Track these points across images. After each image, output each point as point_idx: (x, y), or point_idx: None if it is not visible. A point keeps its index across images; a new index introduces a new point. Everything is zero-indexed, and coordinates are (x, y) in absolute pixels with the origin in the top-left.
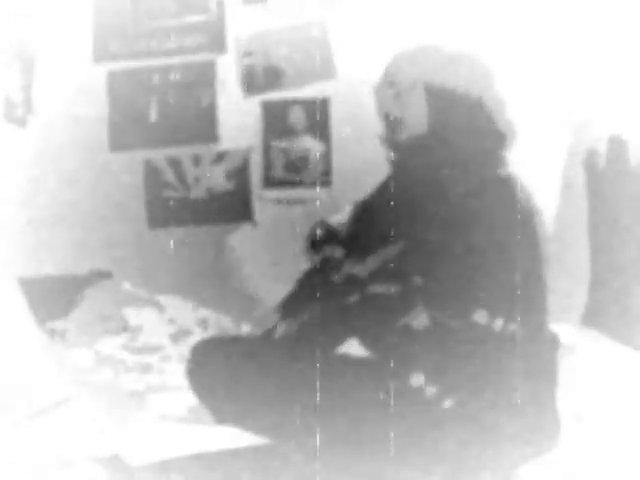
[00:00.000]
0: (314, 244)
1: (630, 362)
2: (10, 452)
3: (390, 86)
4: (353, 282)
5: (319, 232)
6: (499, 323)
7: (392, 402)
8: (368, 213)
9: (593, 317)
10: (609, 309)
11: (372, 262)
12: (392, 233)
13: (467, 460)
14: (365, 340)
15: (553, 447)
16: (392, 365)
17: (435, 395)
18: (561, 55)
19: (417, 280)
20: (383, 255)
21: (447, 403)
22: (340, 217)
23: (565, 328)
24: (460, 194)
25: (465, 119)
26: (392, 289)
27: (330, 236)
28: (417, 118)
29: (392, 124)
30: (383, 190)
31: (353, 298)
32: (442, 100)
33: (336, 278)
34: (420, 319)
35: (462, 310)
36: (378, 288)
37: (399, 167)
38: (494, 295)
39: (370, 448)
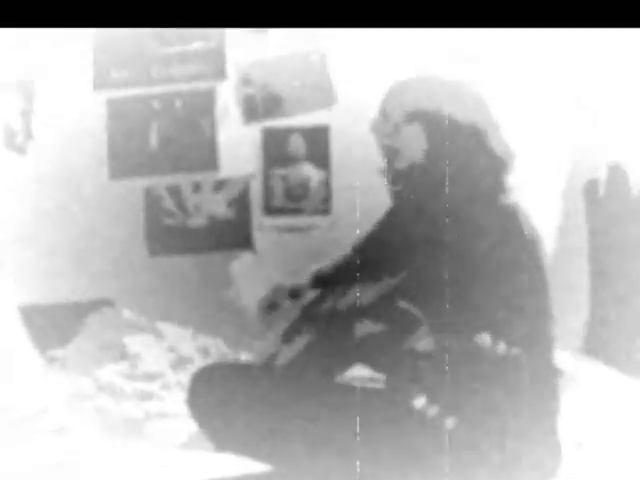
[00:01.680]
0: (271, 306)
1: (630, 391)
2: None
3: (386, 119)
4: (356, 309)
5: (276, 296)
6: (502, 347)
7: (393, 426)
8: (372, 243)
9: (594, 346)
10: (610, 337)
11: (376, 291)
12: (393, 264)
13: None
14: (367, 365)
15: (554, 475)
16: (394, 389)
17: (437, 415)
18: (560, 85)
19: (415, 311)
20: (387, 283)
21: (449, 423)
22: (325, 263)
23: (566, 356)
24: (463, 221)
25: (462, 146)
26: (388, 327)
27: (324, 278)
28: (415, 148)
29: (391, 156)
30: (384, 222)
31: (357, 331)
32: (439, 129)
33: (339, 304)
34: (424, 342)
35: (465, 333)
36: (374, 327)
37: (400, 199)
38: (497, 319)
39: (372, 472)
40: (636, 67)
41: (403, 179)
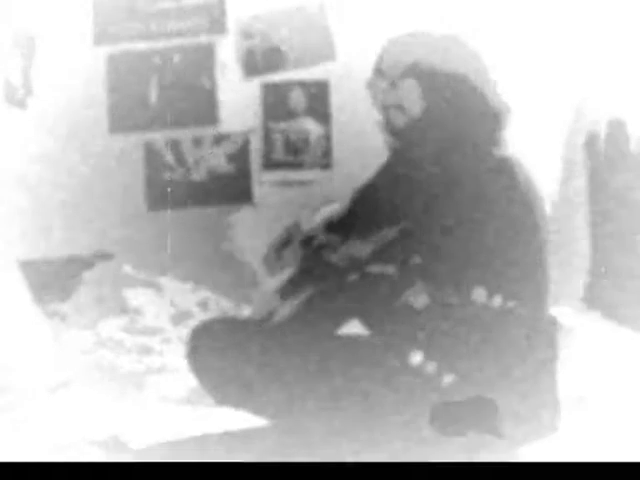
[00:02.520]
0: (282, 244)
1: (630, 344)
2: (9, 434)
3: (382, 76)
4: (353, 263)
5: (286, 235)
6: (497, 300)
7: (392, 380)
8: (368, 197)
9: (593, 299)
10: (609, 291)
11: (372, 243)
12: (391, 215)
13: (467, 438)
14: (365, 319)
15: (554, 429)
16: (392, 343)
17: (434, 372)
18: (560, 39)
19: (416, 259)
20: (382, 236)
21: (446, 380)
22: (334, 207)
23: (565, 310)
24: (459, 175)
25: (458, 101)
26: (391, 269)
27: (325, 225)
28: (412, 104)
29: (388, 112)
30: (382, 174)
31: (352, 277)
32: (434, 84)
33: (335, 259)
34: (420, 297)
35: (461, 288)
36: (377, 268)
37: (398, 152)
38: (492, 273)
39: (370, 425)
40: (637, 20)
41: (399, 134)
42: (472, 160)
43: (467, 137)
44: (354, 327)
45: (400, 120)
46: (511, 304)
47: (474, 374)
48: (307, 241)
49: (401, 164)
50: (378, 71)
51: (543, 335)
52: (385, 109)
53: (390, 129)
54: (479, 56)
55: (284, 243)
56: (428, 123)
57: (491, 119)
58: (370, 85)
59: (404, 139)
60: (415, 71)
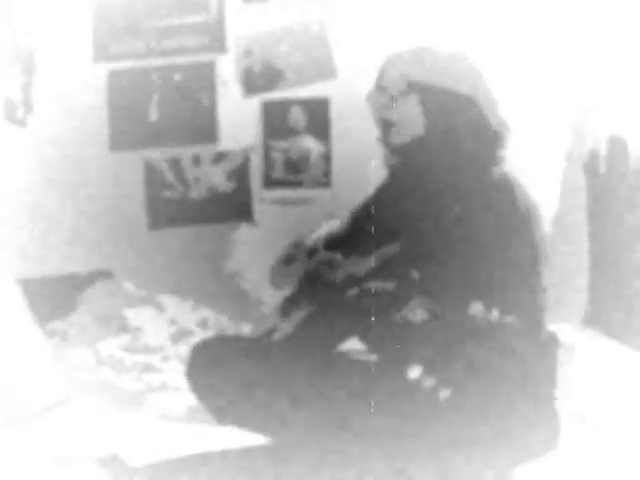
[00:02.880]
0: (288, 260)
1: (630, 362)
2: (10, 451)
3: (383, 91)
4: (352, 281)
5: (292, 250)
6: (495, 315)
7: (389, 396)
8: (367, 215)
9: (593, 317)
10: (609, 310)
11: (370, 261)
12: (390, 233)
13: (463, 455)
14: (364, 335)
15: (552, 448)
16: (391, 358)
17: (432, 386)
18: (560, 56)
19: (414, 274)
20: (382, 254)
21: (443, 394)
22: (332, 225)
23: (565, 328)
24: (457, 192)
25: (459, 119)
26: (389, 286)
27: (326, 242)
28: (412, 121)
29: (388, 128)
30: (381, 192)
31: (351, 293)
32: (435, 101)
33: (335, 277)
34: (418, 312)
35: (459, 302)
36: (375, 284)
37: (397, 169)
38: (490, 287)
39: (368, 441)
40: (637, 37)
41: (399, 151)
42: (471, 178)
43: (467, 155)
44: (354, 344)
45: (400, 137)
46: (509, 319)
47: (472, 389)
48: (311, 254)
49: (400, 182)
50: (379, 86)
51: (542, 350)
52: (385, 125)
53: (389, 145)
54: (481, 74)
55: (289, 259)
56: (428, 141)
57: (492, 138)
58: (370, 99)
59: (403, 156)
60: (416, 88)
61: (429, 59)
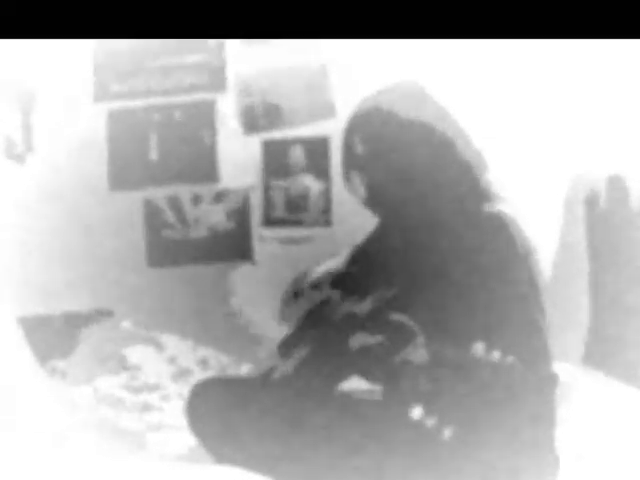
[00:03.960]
0: (296, 294)
1: (630, 401)
2: None
3: (350, 149)
4: (352, 321)
5: (297, 287)
6: (496, 355)
7: (392, 436)
8: (365, 255)
9: (593, 357)
10: (609, 350)
11: (369, 302)
12: (387, 274)
13: None
14: (364, 376)
15: None
16: (392, 399)
17: (434, 426)
18: (556, 97)
19: (409, 322)
20: (379, 295)
21: (446, 434)
22: (335, 262)
23: (565, 367)
24: (448, 231)
25: (432, 156)
26: (378, 339)
27: (326, 280)
28: (384, 167)
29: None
30: (377, 233)
31: (353, 343)
32: (406, 139)
33: (335, 317)
34: (419, 353)
35: (459, 343)
36: (369, 340)
37: (385, 219)
38: (491, 328)
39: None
40: (635, 77)
41: (381, 197)
42: (460, 217)
43: (448, 193)
44: (355, 383)
45: (377, 182)
46: (510, 359)
47: (472, 428)
48: (315, 289)
49: (390, 225)
50: (347, 145)
51: (544, 392)
52: (361, 179)
53: (369, 192)
54: (438, 104)
55: (294, 294)
56: (406, 181)
57: (467, 173)
58: (344, 163)
59: (386, 202)
60: (359, 122)
61: (389, 94)
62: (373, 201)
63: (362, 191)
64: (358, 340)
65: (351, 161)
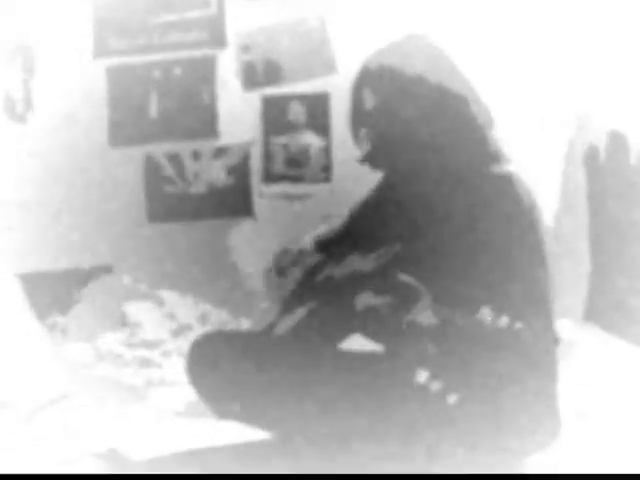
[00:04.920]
0: (278, 270)
1: (631, 358)
2: (9, 448)
3: (360, 104)
4: (356, 278)
5: (283, 259)
6: (504, 321)
7: (395, 398)
8: (366, 213)
9: (594, 313)
10: (610, 305)
11: (375, 259)
12: (391, 232)
13: (470, 450)
14: (369, 336)
15: (552, 441)
16: (397, 361)
17: (439, 391)
18: (559, 52)
19: (415, 283)
20: (383, 254)
21: (451, 399)
22: (335, 221)
23: (566, 324)
24: (455, 190)
25: (446, 114)
26: (389, 299)
27: (296, 261)
28: (396, 121)
29: (373, 137)
30: (380, 191)
31: (358, 303)
32: (418, 97)
33: (338, 273)
34: (426, 315)
35: (468, 307)
36: (374, 300)
37: (389, 178)
38: (499, 293)
39: (374, 443)
40: (635, 33)
41: (388, 153)
42: (469, 176)
43: (459, 152)
44: (356, 342)
45: (388, 141)
46: (518, 325)
47: (479, 391)
48: (301, 258)
49: (396, 181)
50: (356, 99)
51: (547, 353)
52: (370, 136)
53: (378, 150)
54: (450, 60)
55: (280, 270)
56: (417, 138)
57: (479, 133)
58: (351, 118)
59: (394, 158)
60: (397, 85)
61: (411, 54)
62: (379, 156)
63: (369, 147)
64: (363, 300)
65: (359, 116)
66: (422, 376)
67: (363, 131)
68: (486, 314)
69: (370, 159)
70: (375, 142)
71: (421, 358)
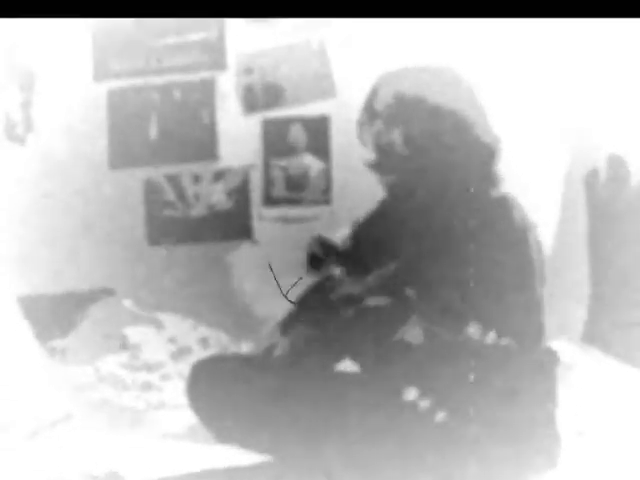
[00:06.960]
0: (313, 260)
1: (630, 379)
2: (9, 470)
3: (373, 115)
4: (350, 301)
5: (316, 248)
6: (491, 336)
7: (385, 417)
8: (366, 233)
9: (593, 335)
10: (609, 327)
11: (369, 282)
12: (388, 252)
13: (461, 475)
14: (360, 356)
15: (552, 465)
16: (387, 379)
17: (428, 409)
18: (560, 74)
19: (410, 293)
20: (380, 275)
21: (440, 417)
22: (340, 234)
23: (565, 345)
24: (454, 211)
25: (449, 135)
26: (384, 302)
27: (329, 252)
28: (402, 141)
29: (380, 149)
30: (380, 211)
31: (348, 313)
32: (424, 119)
33: (334, 297)
34: (414, 333)
35: (455, 323)
36: (372, 301)
37: (394, 188)
38: (486, 309)
39: (365, 463)
40: (635, 56)
41: (393, 171)
42: (468, 197)
43: (460, 173)
44: (347, 365)
45: (391, 157)
46: (505, 341)
47: (467, 411)
48: (313, 262)
49: (397, 201)
50: (369, 108)
51: (542, 372)
52: (376, 147)
53: (382, 166)
54: (469, 89)
55: (315, 260)
56: (420, 159)
57: (483, 155)
58: (360, 123)
59: (396, 176)
60: (405, 106)
61: (417, 76)
62: (385, 164)
63: (376, 154)
64: (367, 302)
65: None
66: (410, 394)
67: (371, 135)
68: (474, 330)
69: (376, 166)
70: (383, 150)
71: (409, 376)
